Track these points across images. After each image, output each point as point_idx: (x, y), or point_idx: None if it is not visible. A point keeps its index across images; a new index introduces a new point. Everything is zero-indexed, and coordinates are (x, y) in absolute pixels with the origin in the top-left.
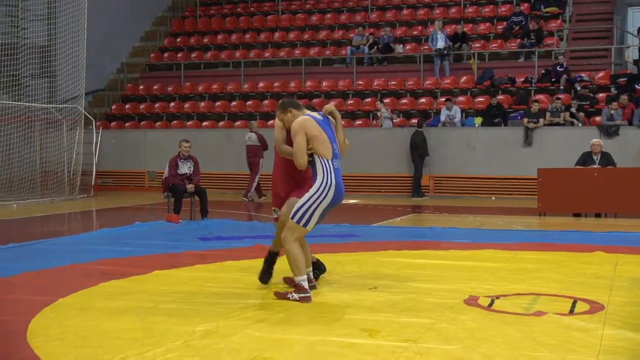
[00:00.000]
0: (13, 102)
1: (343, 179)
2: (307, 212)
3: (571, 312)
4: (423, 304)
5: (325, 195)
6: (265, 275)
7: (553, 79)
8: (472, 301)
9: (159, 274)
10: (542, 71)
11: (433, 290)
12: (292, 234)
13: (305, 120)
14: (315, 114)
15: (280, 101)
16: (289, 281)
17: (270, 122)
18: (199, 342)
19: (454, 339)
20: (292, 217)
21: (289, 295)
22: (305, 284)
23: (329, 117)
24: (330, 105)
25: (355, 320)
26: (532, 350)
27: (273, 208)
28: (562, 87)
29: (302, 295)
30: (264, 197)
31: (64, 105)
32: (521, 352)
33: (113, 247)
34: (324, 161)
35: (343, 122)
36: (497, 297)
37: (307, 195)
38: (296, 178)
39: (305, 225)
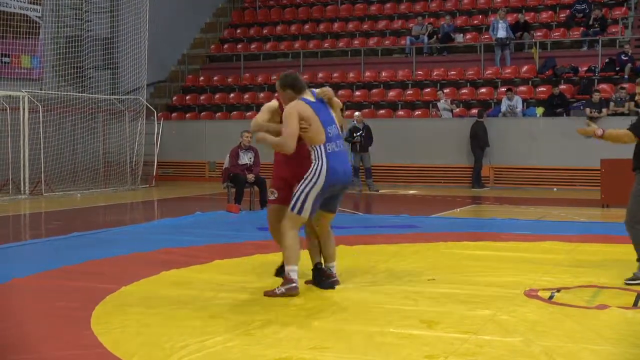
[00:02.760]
0: (77, 94)
1: (402, 169)
2: (299, 199)
3: (635, 305)
4: (483, 296)
5: (316, 182)
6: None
7: (617, 68)
8: (532, 293)
9: (219, 264)
10: (606, 60)
11: (493, 282)
12: (289, 223)
13: (305, 108)
14: (309, 96)
15: (282, 74)
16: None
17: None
18: (259, 331)
19: (514, 331)
20: (292, 209)
21: (276, 290)
22: (294, 275)
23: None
24: (328, 91)
25: (414, 312)
26: (594, 343)
27: (271, 189)
28: (626, 77)
29: (288, 286)
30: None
31: (126, 97)
32: (583, 345)
33: (174, 236)
34: (316, 148)
35: (341, 105)
36: (558, 290)
37: (303, 184)
38: (295, 158)
39: (299, 212)
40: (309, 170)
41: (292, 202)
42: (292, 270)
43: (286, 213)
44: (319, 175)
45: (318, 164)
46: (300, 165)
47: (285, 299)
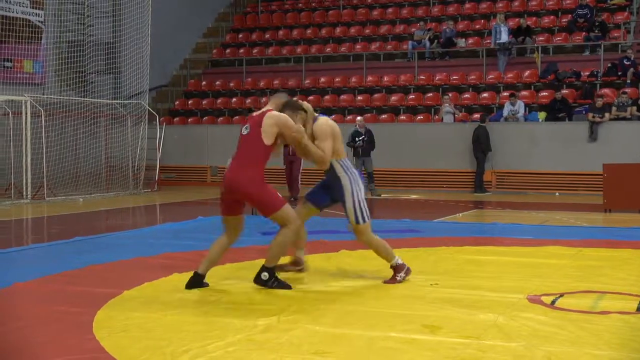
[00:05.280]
0: (79, 98)
1: (404, 173)
2: (362, 210)
3: (638, 310)
4: (485, 301)
5: (360, 188)
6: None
7: (619, 73)
8: (535, 298)
9: (221, 268)
10: (608, 65)
11: (495, 287)
12: (368, 233)
13: (335, 124)
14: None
15: (287, 101)
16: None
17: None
18: (260, 336)
19: (516, 336)
20: (357, 222)
21: (397, 277)
22: (400, 260)
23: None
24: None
25: (416, 316)
26: (596, 349)
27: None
28: (629, 81)
29: (405, 270)
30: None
31: (129, 101)
32: (585, 350)
33: (176, 241)
34: (341, 161)
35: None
36: (561, 295)
37: (350, 198)
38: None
39: (368, 219)
40: (349, 183)
41: (358, 216)
42: (397, 259)
43: (358, 230)
44: (358, 182)
45: (351, 174)
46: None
47: (286, 304)
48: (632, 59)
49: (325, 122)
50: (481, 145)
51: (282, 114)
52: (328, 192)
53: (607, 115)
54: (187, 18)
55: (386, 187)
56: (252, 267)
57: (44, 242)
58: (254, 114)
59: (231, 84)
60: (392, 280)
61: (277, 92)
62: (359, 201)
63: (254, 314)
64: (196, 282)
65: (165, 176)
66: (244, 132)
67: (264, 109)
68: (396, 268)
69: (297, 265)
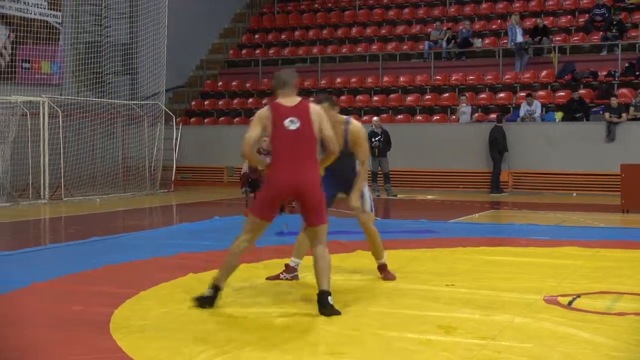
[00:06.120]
0: (97, 99)
1: (420, 174)
2: (372, 200)
3: None
4: (501, 302)
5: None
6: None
7: (637, 73)
8: (551, 299)
9: (237, 269)
10: (626, 64)
11: (511, 287)
12: (373, 222)
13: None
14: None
15: (323, 96)
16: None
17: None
18: (277, 336)
19: (533, 337)
20: (371, 210)
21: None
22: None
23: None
24: None
25: (432, 317)
26: (614, 350)
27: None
28: None
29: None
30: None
31: (145, 102)
32: (603, 352)
33: (192, 241)
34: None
35: None
36: (578, 296)
37: (365, 189)
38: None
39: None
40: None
41: (371, 205)
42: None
43: (368, 217)
44: None
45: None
46: None
47: (302, 305)
48: None
49: (361, 127)
50: (498, 145)
51: (318, 107)
52: (335, 187)
53: (624, 115)
54: (203, 19)
55: (402, 188)
56: (269, 267)
57: (61, 242)
58: (286, 105)
59: (247, 85)
60: (389, 274)
61: (283, 73)
62: (369, 192)
63: (270, 315)
64: (212, 299)
65: (181, 177)
66: (292, 127)
67: (293, 100)
68: (383, 266)
69: (291, 272)
